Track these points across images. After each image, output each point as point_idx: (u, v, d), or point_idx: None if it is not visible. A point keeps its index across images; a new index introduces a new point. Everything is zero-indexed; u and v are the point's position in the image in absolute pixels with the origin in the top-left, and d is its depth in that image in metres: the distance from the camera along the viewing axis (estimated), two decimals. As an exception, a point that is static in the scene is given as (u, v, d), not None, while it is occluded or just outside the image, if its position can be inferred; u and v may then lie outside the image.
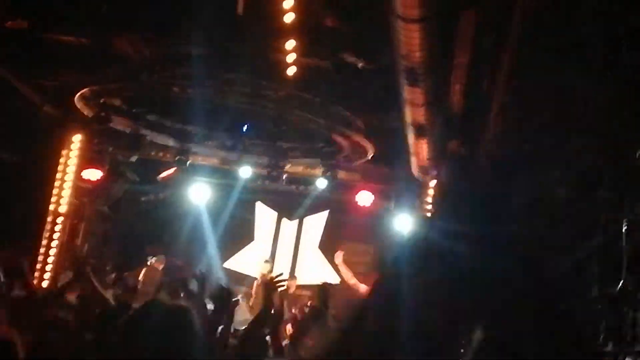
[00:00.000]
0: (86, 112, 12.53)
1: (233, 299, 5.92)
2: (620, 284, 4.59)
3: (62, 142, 13.59)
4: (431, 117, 9.42)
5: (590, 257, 4.56)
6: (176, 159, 13.82)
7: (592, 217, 4.67)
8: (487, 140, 9.16)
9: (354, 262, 15.77)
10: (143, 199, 16.22)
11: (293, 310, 11.96)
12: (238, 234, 16.06)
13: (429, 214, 12.62)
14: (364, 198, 14.45)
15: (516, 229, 1.83)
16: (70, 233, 14.00)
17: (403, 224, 13.59)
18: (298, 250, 16.22)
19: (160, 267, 13.70)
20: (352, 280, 11.47)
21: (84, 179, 14.06)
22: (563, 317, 1.83)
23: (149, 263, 13.73)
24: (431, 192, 12.59)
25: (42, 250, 13.02)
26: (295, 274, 14.67)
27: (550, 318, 1.79)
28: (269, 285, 5.74)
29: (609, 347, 4.54)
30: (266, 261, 13.96)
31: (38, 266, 12.79)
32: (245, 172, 14.11)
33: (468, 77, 8.56)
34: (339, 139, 12.63)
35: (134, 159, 14.77)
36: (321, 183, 13.89)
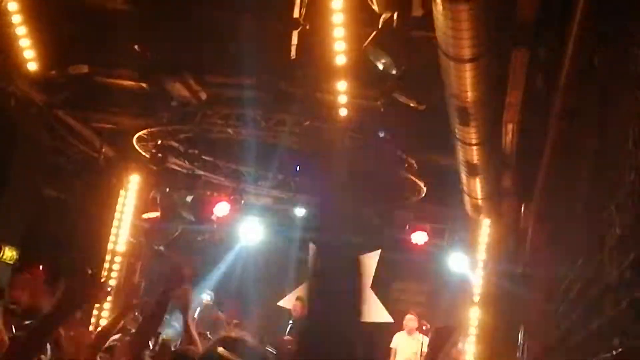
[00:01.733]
0: (143, 153, 12.82)
1: None
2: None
3: (120, 183, 13.90)
4: (483, 156, 9.38)
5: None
6: (231, 198, 14.03)
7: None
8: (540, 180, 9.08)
9: (408, 301, 15.70)
10: (199, 238, 16.43)
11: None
12: (293, 273, 16.08)
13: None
14: (418, 237, 14.38)
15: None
16: (128, 272, 14.25)
17: (457, 262, 13.49)
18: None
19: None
20: None
21: (141, 219, 14.34)
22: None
23: (204, 302, 13.87)
24: (484, 231, 12.48)
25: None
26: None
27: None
28: None
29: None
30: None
31: (97, 304, 13.00)
32: (300, 211, 14.20)
33: (521, 115, 8.52)
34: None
35: (189, 198, 15.00)
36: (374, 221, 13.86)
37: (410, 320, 13.56)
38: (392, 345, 13.43)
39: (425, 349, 10.41)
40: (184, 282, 4.01)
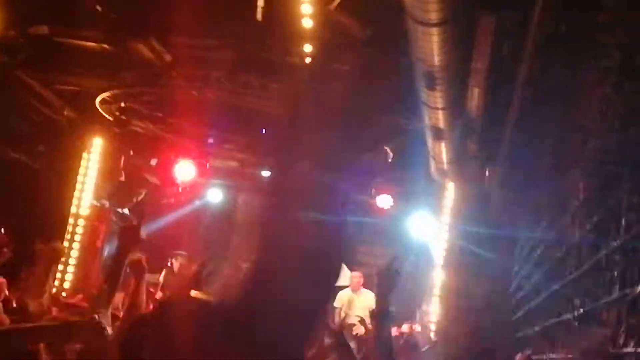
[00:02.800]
0: (107, 115, 12.67)
1: None
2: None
3: (83, 146, 13.73)
4: (449, 121, 9.44)
5: (611, 258, 4.55)
6: (196, 161, 13.96)
7: (613, 218, 4.65)
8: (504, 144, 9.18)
9: (371, 264, 15.83)
10: (164, 201, 16.35)
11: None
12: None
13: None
14: (384, 201, 14.46)
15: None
16: (92, 235, 14.15)
17: (421, 226, 13.62)
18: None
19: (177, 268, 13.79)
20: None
21: (104, 182, 14.20)
22: None
23: (169, 265, 13.83)
24: (449, 194, 12.61)
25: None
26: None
27: None
28: None
29: (630, 348, 4.51)
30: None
31: (60, 267, 12.92)
32: (266, 174, 14.16)
33: (487, 81, 8.57)
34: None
35: (154, 162, 14.88)
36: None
37: (355, 277, 13.60)
38: (335, 304, 13.37)
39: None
40: (139, 245, 3.85)
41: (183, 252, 14.20)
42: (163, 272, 13.42)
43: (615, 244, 4.35)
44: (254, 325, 1.44)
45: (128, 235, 3.74)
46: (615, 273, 4.49)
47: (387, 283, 3.54)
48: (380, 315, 3.50)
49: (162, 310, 1.66)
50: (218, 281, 1.76)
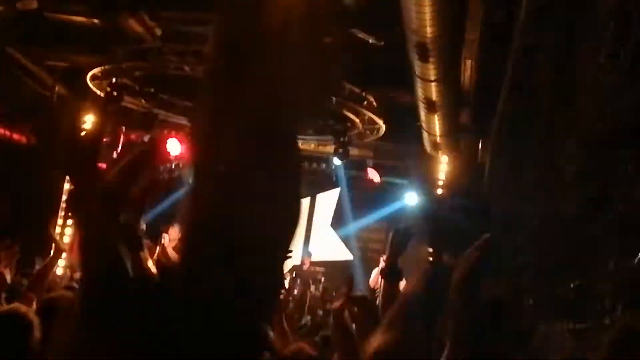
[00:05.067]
0: (98, 92, 12.58)
1: None
2: (639, 256, 4.56)
3: (75, 122, 13.64)
4: (442, 93, 9.39)
5: (607, 229, 4.54)
6: (188, 137, 13.91)
7: (610, 188, 4.64)
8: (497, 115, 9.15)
9: (367, 238, 15.87)
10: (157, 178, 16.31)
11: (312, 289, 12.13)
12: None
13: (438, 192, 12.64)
14: (376, 175, 14.46)
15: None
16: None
17: (414, 199, 13.62)
18: (311, 227, 16.26)
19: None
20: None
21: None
22: None
23: (162, 242, 13.80)
24: (442, 167, 12.59)
25: (57, 230, 13.11)
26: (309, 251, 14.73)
27: None
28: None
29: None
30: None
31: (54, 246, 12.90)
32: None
33: (480, 52, 8.52)
34: (351, 116, 12.60)
35: (146, 138, 14.81)
36: (334, 160, 13.90)
37: None
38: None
39: None
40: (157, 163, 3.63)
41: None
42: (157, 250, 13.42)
43: (611, 216, 4.35)
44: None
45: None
46: (611, 245, 4.49)
47: (398, 243, 3.61)
48: (389, 273, 3.56)
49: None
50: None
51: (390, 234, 3.67)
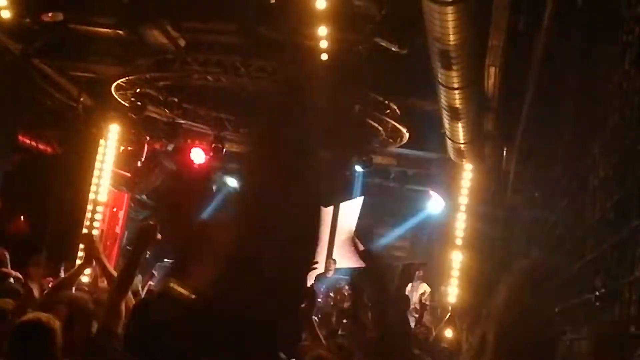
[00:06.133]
0: (122, 102, 12.69)
1: None
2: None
3: (99, 132, 13.78)
4: (466, 100, 9.34)
5: (632, 236, 4.47)
6: (212, 146, 13.98)
7: (634, 195, 4.56)
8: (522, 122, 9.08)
9: (390, 246, 15.83)
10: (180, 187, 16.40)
11: (332, 295, 12.12)
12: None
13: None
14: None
15: None
16: (110, 221, 14.24)
17: (438, 207, 13.57)
18: (335, 235, 16.24)
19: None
20: None
21: (122, 168, 14.29)
22: None
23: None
24: (467, 175, 12.53)
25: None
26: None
27: None
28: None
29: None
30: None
31: (79, 254, 12.98)
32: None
33: (503, 58, 8.47)
34: (374, 124, 12.60)
35: (170, 147, 14.92)
36: (357, 168, 13.90)
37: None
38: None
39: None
40: (154, 244, 3.95)
41: None
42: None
43: (636, 222, 4.28)
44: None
45: (145, 235, 3.83)
46: (637, 252, 4.41)
47: (407, 279, 3.72)
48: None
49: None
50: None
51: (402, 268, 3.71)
